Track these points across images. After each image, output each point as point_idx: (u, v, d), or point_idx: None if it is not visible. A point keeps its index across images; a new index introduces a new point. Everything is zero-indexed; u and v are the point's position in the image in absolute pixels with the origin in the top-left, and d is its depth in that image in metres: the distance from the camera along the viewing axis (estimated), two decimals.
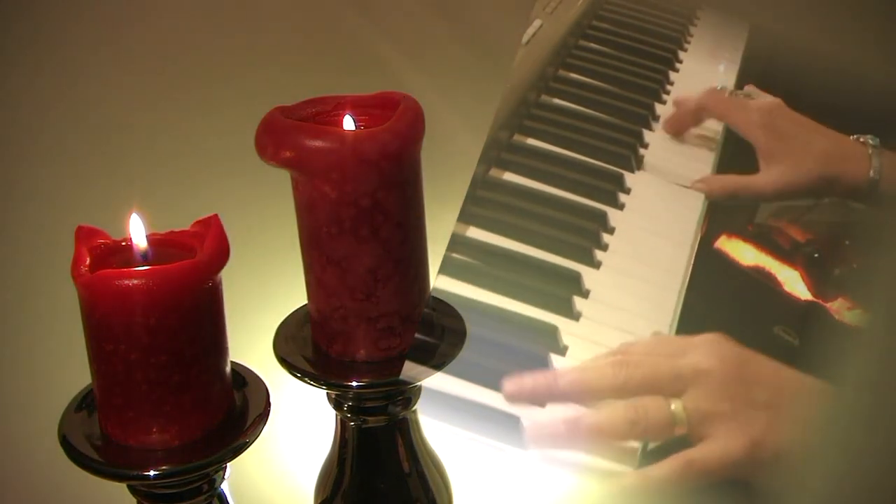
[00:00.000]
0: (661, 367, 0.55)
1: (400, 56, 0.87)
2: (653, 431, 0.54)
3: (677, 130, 0.72)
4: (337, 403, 0.58)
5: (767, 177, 0.67)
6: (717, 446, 0.54)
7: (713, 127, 0.73)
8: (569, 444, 0.55)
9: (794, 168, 0.67)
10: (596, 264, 0.65)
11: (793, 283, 0.65)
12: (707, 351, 0.56)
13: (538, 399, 0.57)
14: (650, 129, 0.73)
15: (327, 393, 0.58)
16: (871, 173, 0.66)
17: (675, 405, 0.54)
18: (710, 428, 0.54)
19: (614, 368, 0.56)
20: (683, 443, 0.55)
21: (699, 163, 0.71)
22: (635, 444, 0.55)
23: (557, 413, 0.56)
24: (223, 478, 0.53)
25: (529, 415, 0.57)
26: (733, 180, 0.69)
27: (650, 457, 0.55)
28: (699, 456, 0.54)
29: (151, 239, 0.52)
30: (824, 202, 0.68)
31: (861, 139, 0.68)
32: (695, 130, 0.73)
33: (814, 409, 0.56)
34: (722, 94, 0.72)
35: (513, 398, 0.57)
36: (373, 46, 0.87)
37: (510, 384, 0.58)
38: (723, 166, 0.71)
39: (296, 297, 0.59)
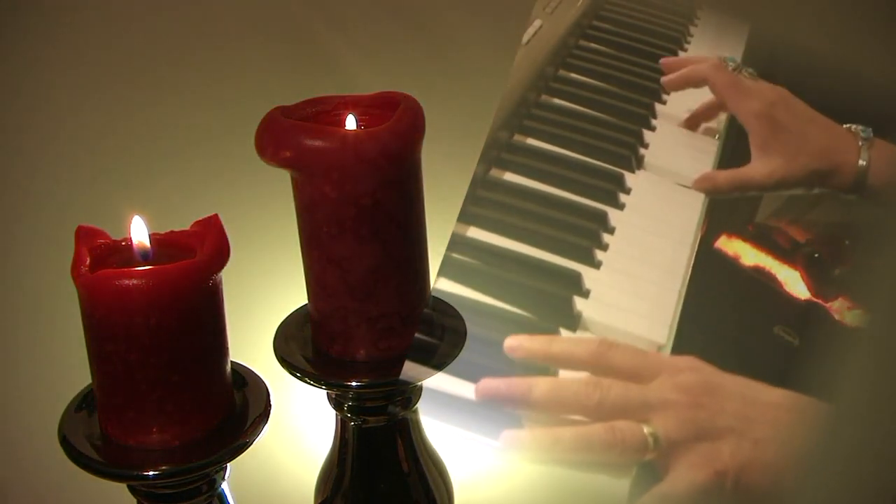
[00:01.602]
0: (632, 394, 0.57)
1: (402, 55, 0.87)
2: (627, 454, 0.55)
3: (674, 88, 0.73)
4: (337, 403, 0.58)
5: (761, 168, 0.68)
6: (682, 478, 0.55)
7: (713, 126, 0.73)
8: (547, 454, 0.56)
9: (786, 163, 0.67)
10: (596, 264, 0.65)
11: (793, 283, 0.65)
12: (672, 379, 0.58)
13: (509, 404, 0.57)
14: (650, 129, 0.73)
15: (327, 393, 0.58)
16: (861, 162, 0.66)
17: (647, 429, 0.56)
18: (676, 457, 0.55)
19: (588, 388, 0.57)
20: (652, 469, 0.56)
21: (700, 163, 0.71)
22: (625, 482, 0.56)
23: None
24: (223, 478, 0.53)
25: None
26: (734, 173, 0.69)
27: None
28: (670, 490, 0.55)
29: (151, 239, 0.52)
30: (819, 195, 0.68)
31: (853, 129, 0.68)
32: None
33: (789, 425, 0.57)
34: (727, 73, 0.71)
35: (484, 397, 0.58)
36: (373, 46, 0.87)
37: (483, 384, 0.58)
38: (723, 166, 0.71)
39: (296, 297, 0.59)
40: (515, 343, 0.59)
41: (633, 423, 0.56)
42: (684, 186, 0.70)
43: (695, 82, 0.72)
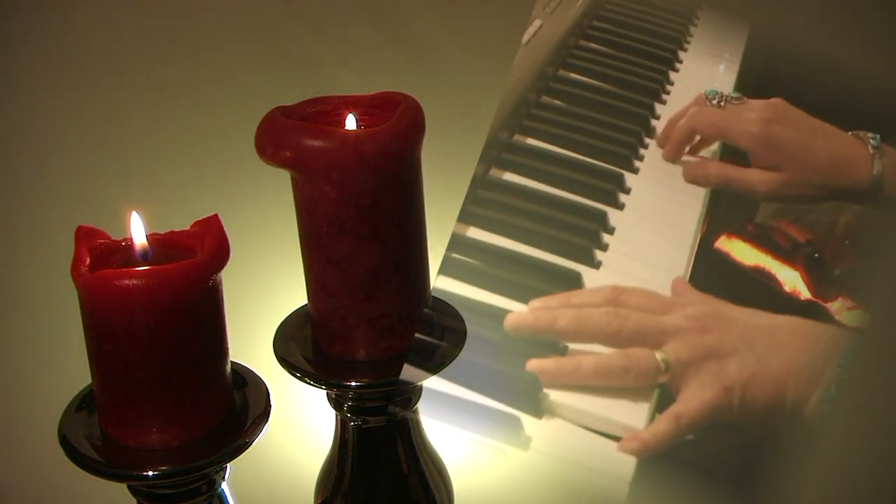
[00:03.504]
0: (648, 322, 0.61)
1: (401, 56, 0.87)
2: (642, 377, 0.60)
3: (675, 157, 0.71)
4: (337, 403, 0.58)
5: (763, 176, 0.68)
6: (693, 396, 0.59)
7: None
8: (570, 379, 0.60)
9: (791, 179, 0.67)
10: (596, 264, 0.65)
11: (793, 283, 0.65)
12: (686, 310, 0.62)
13: (537, 332, 0.61)
14: (650, 129, 0.73)
15: (327, 393, 0.58)
16: (875, 173, 0.66)
17: (660, 355, 0.60)
18: (687, 377, 0.59)
19: (608, 317, 0.61)
20: (665, 394, 0.60)
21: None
22: (644, 405, 0.60)
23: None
24: (223, 478, 0.53)
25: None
26: (730, 170, 0.69)
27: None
28: (682, 409, 0.59)
29: (151, 239, 0.52)
30: (823, 207, 0.67)
31: (861, 136, 0.67)
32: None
33: (790, 341, 0.62)
34: (710, 112, 0.70)
35: (514, 328, 0.61)
36: (374, 45, 0.87)
37: (513, 316, 0.62)
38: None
39: (296, 297, 0.59)
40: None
41: (646, 350, 0.60)
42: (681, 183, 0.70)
43: (688, 138, 0.71)
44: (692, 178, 0.70)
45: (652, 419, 0.59)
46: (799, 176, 0.67)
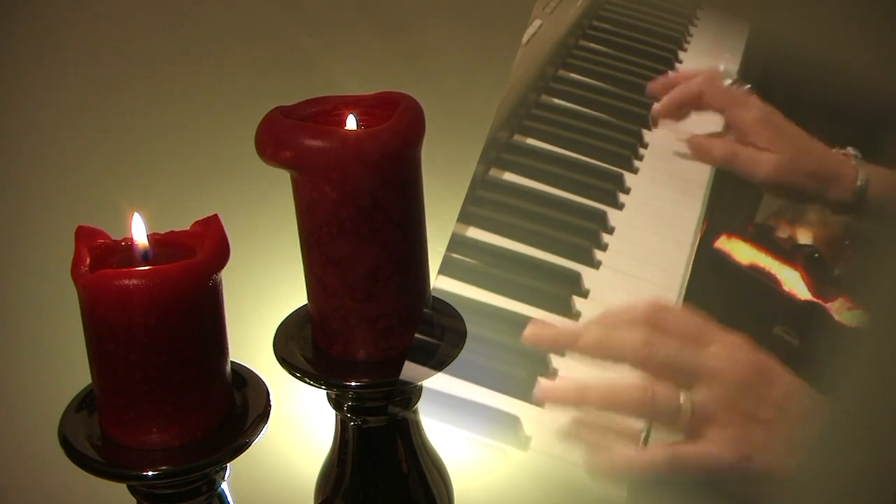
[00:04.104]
0: (682, 356, 0.55)
1: (401, 56, 0.87)
2: (657, 417, 0.54)
3: (672, 114, 0.69)
4: (337, 403, 0.58)
5: (768, 159, 0.66)
6: (707, 450, 0.54)
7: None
8: (575, 404, 0.55)
9: (792, 160, 0.66)
10: (596, 264, 0.65)
11: (793, 283, 0.65)
12: (727, 351, 0.56)
13: (558, 346, 0.56)
14: (650, 129, 0.73)
15: (327, 393, 0.58)
16: (859, 182, 0.65)
17: (684, 399, 0.54)
18: (708, 429, 0.54)
19: (638, 344, 0.55)
20: (678, 435, 0.55)
21: (699, 164, 0.71)
22: (639, 426, 0.55)
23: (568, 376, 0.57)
24: (223, 478, 0.53)
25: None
26: (734, 147, 0.67)
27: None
28: (685, 453, 0.54)
29: (151, 239, 0.52)
30: (814, 208, 0.67)
31: (843, 152, 0.67)
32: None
33: (815, 429, 0.57)
34: (722, 85, 0.69)
35: (532, 340, 0.57)
36: (374, 45, 0.87)
37: (533, 327, 0.57)
38: (720, 171, 0.71)
39: (296, 297, 0.60)
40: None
41: (669, 388, 0.54)
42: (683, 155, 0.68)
43: (689, 102, 0.68)
44: (697, 153, 0.67)
45: (646, 439, 0.55)
46: (797, 160, 0.65)
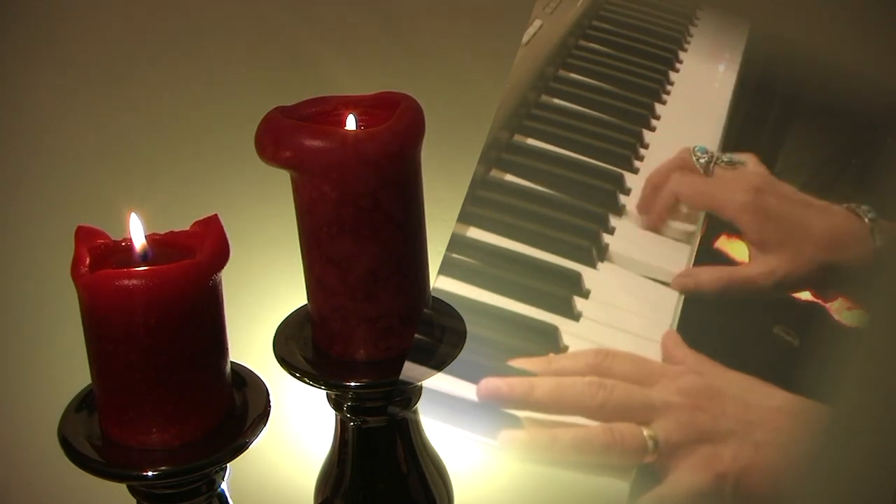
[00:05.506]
0: (634, 395, 0.56)
1: (401, 56, 0.87)
2: (627, 456, 0.55)
3: (657, 227, 0.66)
4: (337, 403, 0.58)
5: (763, 266, 0.62)
6: (682, 480, 0.55)
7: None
8: (544, 454, 0.56)
9: (792, 257, 0.62)
10: (596, 265, 0.65)
11: None
12: (677, 382, 0.57)
13: (511, 404, 0.57)
14: (650, 129, 0.73)
15: (327, 393, 0.58)
16: (877, 243, 0.62)
17: (648, 432, 0.55)
18: (677, 460, 0.55)
19: (591, 389, 0.56)
20: (651, 472, 0.56)
21: None
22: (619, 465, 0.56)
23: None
24: (223, 478, 0.53)
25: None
26: (725, 272, 0.63)
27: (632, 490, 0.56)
28: (668, 492, 0.55)
29: (151, 239, 0.52)
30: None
31: (854, 209, 0.63)
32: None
33: (790, 430, 0.57)
34: (696, 178, 0.64)
35: (485, 398, 0.57)
36: (374, 45, 0.87)
37: (485, 384, 0.57)
38: None
39: (296, 297, 0.59)
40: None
41: (632, 426, 0.55)
42: (664, 284, 0.63)
43: (672, 207, 0.65)
44: (683, 291, 0.63)
45: (631, 497, 0.55)
46: (800, 254, 0.61)
